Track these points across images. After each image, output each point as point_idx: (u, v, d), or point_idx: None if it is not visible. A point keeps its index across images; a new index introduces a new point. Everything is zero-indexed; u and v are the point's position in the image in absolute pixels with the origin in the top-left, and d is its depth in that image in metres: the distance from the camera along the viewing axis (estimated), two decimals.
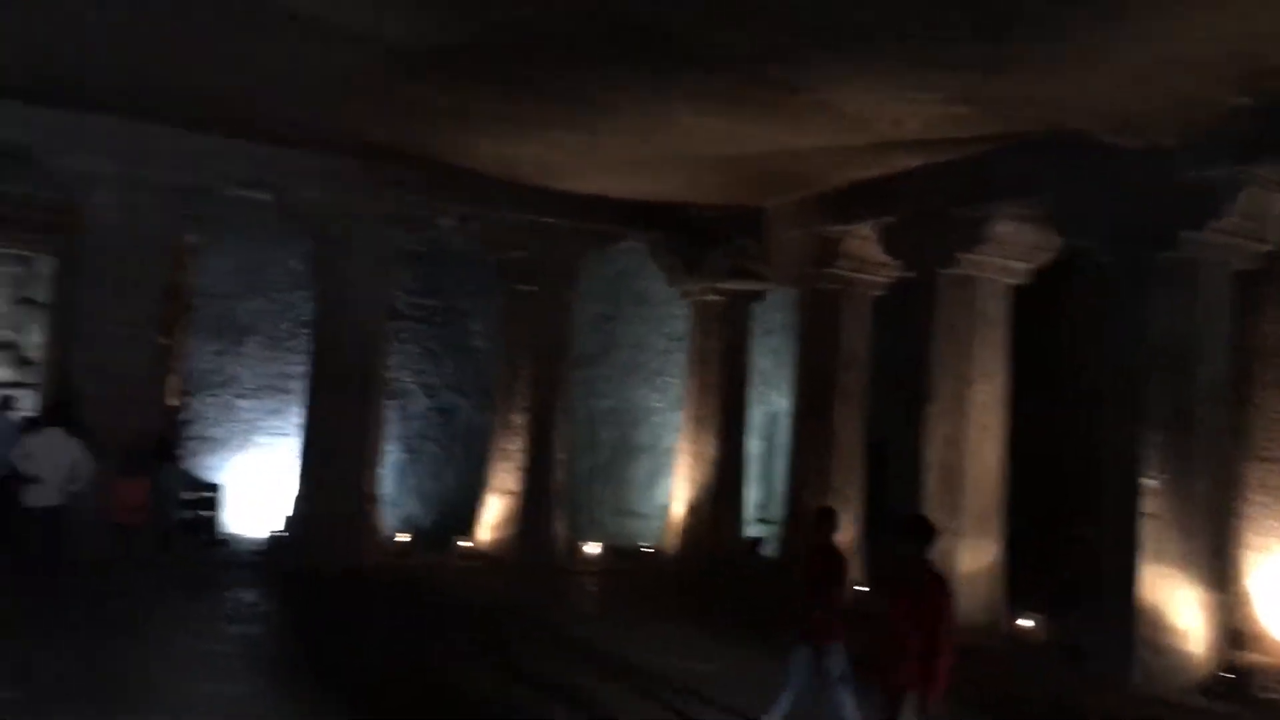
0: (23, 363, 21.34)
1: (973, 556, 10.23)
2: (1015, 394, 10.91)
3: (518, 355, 13.87)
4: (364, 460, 12.53)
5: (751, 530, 15.68)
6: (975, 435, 10.49)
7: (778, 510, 15.14)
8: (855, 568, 10.45)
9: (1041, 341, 12.25)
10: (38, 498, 9.13)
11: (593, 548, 14.48)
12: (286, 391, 14.65)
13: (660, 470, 16.61)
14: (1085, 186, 9.03)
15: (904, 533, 5.58)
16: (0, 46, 9.00)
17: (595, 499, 16.36)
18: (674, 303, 16.16)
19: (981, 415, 10.53)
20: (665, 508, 15.38)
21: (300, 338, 14.24)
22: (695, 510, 14.56)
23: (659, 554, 14.82)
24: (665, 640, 9.69)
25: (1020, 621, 10.28)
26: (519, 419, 13.75)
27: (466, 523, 14.21)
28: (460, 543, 13.67)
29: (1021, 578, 10.62)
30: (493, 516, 13.80)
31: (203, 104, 10.43)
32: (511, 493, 13.67)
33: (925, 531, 5.53)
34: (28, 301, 21.28)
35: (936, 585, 5.37)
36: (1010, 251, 10.52)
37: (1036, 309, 11.64)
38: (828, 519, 6.98)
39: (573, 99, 9.13)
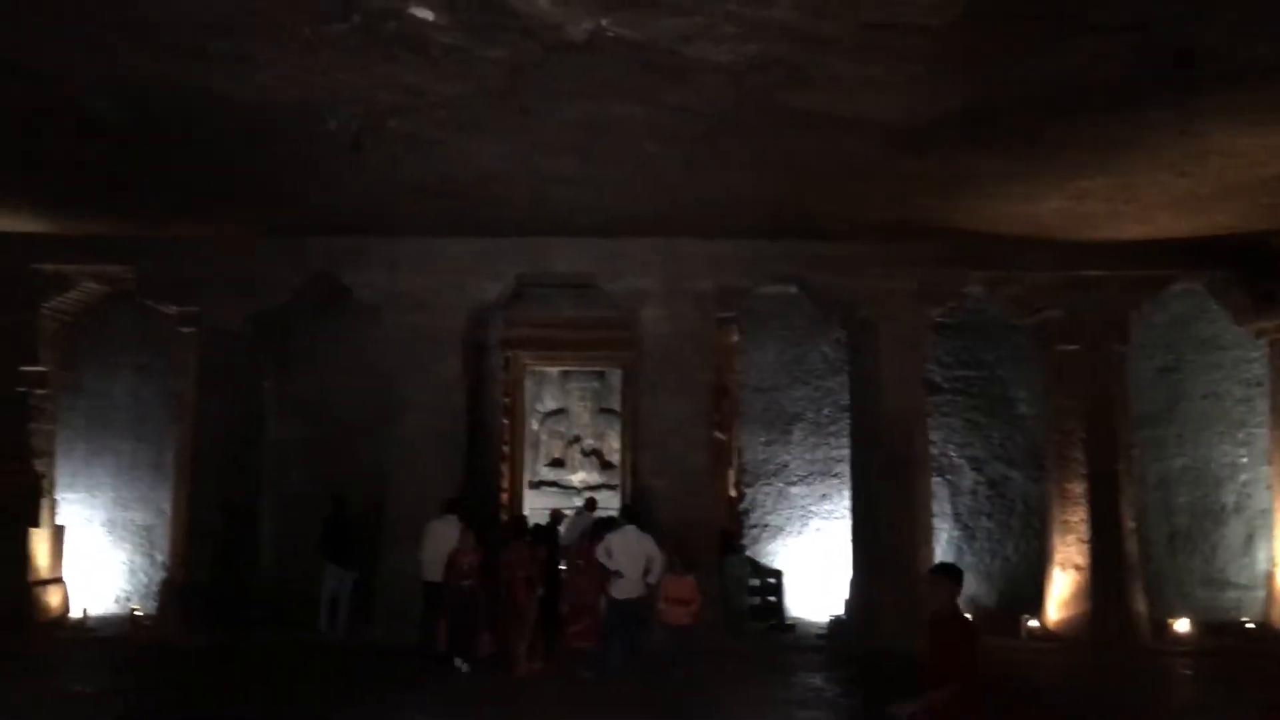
0: (605, 466, 24.08)
1: None
2: None
3: (1067, 419, 12.98)
4: (915, 540, 12.34)
5: None
6: None
7: None
8: None
9: None
10: (622, 590, 10.10)
11: (1181, 625, 12.97)
12: (835, 475, 15.00)
13: (1257, 534, 14.57)
14: None
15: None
16: (566, 192, 10.38)
17: (1180, 570, 14.71)
18: (1247, 345, 14.31)
19: None
20: (1267, 576, 13.41)
21: (842, 422, 14.55)
22: None
23: (1265, 630, 12.90)
24: None
25: None
26: (1077, 487, 12.80)
27: (1031, 600, 13.42)
28: (1029, 622, 12.90)
29: None
30: (1060, 593, 12.88)
31: (725, 213, 11.22)
32: (1078, 567, 12.69)
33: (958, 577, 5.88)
34: (606, 411, 24.05)
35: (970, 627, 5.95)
36: None
37: None
38: None
39: (1090, 146, 8.59)
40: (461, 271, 12.41)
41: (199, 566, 12.20)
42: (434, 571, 10.65)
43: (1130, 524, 12.69)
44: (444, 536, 10.76)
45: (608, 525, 11.26)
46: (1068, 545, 12.85)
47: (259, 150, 9.25)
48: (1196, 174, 9.25)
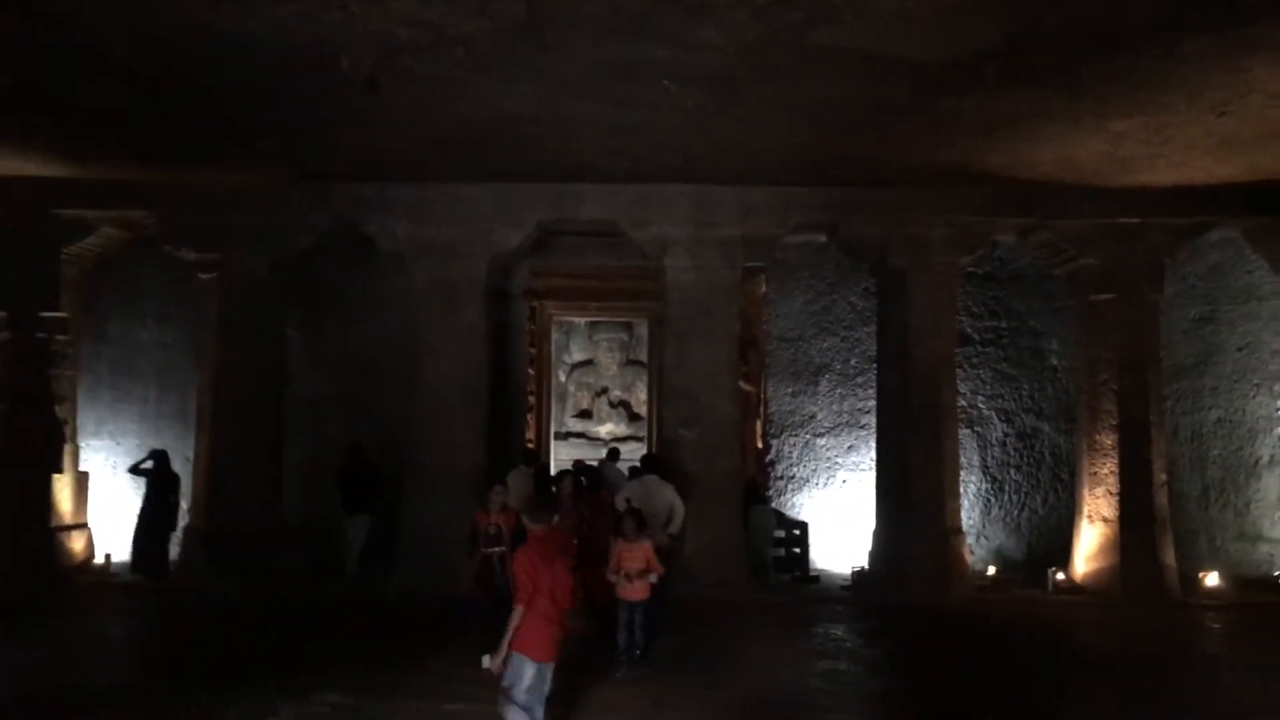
0: (633, 418, 24.04)
1: None
2: None
3: (1100, 370, 12.74)
4: (942, 492, 12.19)
5: None
6: None
7: None
8: None
9: None
10: None
11: (1211, 579, 12.81)
12: (861, 427, 14.87)
13: None
14: None
15: None
16: (592, 137, 10.19)
17: (1213, 523, 14.52)
18: None
19: None
20: None
21: (869, 373, 14.39)
22: None
23: None
24: None
25: None
26: (1108, 439, 12.59)
27: (1060, 553, 13.30)
28: (1056, 575, 12.77)
29: None
30: (1088, 546, 12.72)
31: (755, 159, 10.99)
32: (1107, 520, 12.51)
33: None
34: (634, 363, 23.97)
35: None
36: None
37: None
38: None
39: (1129, 83, 8.29)
40: (484, 218, 12.25)
41: (222, 515, 12.21)
42: None
43: (1161, 477, 12.47)
44: (519, 487, 10.83)
45: (631, 475, 11.13)
46: (1097, 498, 12.67)
47: (279, 94, 9.08)
48: (1237, 113, 8.91)
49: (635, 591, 8.60)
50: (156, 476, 12.99)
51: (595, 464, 13.33)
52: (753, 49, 7.71)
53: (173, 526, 13.12)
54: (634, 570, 8.53)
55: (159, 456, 13.12)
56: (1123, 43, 7.52)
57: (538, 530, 6.24)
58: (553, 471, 14.05)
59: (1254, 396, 14.63)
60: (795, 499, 15.00)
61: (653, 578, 8.58)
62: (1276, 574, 13.41)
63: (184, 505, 13.74)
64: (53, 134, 10.51)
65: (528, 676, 5.87)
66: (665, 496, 10.04)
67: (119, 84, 8.80)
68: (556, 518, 7.22)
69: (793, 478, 15.10)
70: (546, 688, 6.04)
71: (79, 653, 9.07)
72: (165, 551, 12.90)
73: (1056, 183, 11.52)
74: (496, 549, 8.55)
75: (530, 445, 15.42)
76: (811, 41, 7.55)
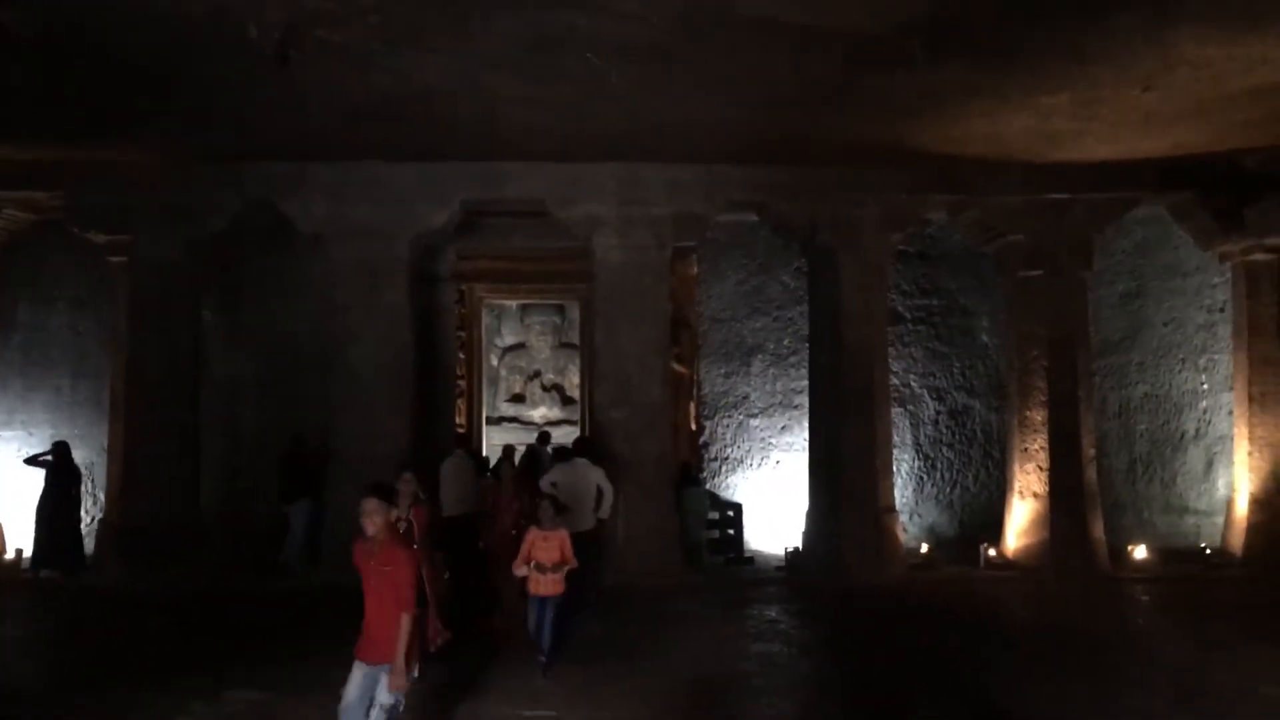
0: (566, 401, 23.80)
1: None
2: None
3: (1029, 347, 12.78)
4: (875, 472, 12.14)
5: None
6: None
7: None
8: None
9: None
10: (569, 525, 9.76)
11: (1140, 552, 12.95)
12: (795, 407, 14.81)
13: (1217, 460, 14.59)
14: None
15: None
16: (516, 113, 9.88)
17: (1140, 497, 14.71)
18: (1210, 270, 14.24)
19: None
20: (1227, 502, 13.39)
21: (802, 353, 14.31)
22: (1263, 504, 12.54)
23: (1223, 556, 12.88)
24: (1254, 663, 8.30)
25: None
26: (1038, 415, 12.65)
27: (992, 528, 13.36)
28: (988, 551, 12.82)
29: None
30: (1020, 522, 12.79)
31: (684, 137, 10.78)
32: (1037, 495, 12.58)
33: None
34: (567, 345, 23.71)
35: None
36: None
37: None
38: None
39: (1058, 57, 8.22)
40: (406, 198, 11.89)
41: (137, 507, 11.76)
42: (450, 507, 10.72)
43: (1090, 451, 12.56)
44: (458, 474, 10.90)
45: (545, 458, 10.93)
46: (1027, 473, 12.74)
47: (185, 68, 8.66)
48: (1164, 88, 8.89)
49: (548, 585, 7.80)
50: (57, 469, 12.51)
51: (525, 449, 13.07)
52: (679, 19, 7.48)
53: (77, 520, 12.64)
54: (547, 562, 7.78)
55: (59, 448, 12.64)
56: (1051, 14, 7.42)
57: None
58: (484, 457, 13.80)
59: (1179, 371, 14.82)
60: (729, 480, 14.91)
61: (564, 572, 7.85)
62: (1203, 545, 13.59)
63: (92, 500, 13.28)
64: None
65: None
66: (594, 478, 9.84)
67: (15, 57, 8.33)
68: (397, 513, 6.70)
69: (727, 459, 15.00)
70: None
71: None
72: (78, 544, 12.43)
73: (985, 160, 11.48)
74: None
75: (461, 430, 15.14)
76: (740, 12, 7.34)
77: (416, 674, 6.52)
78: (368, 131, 10.56)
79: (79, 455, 13.27)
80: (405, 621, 5.30)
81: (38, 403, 14.48)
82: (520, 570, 7.88)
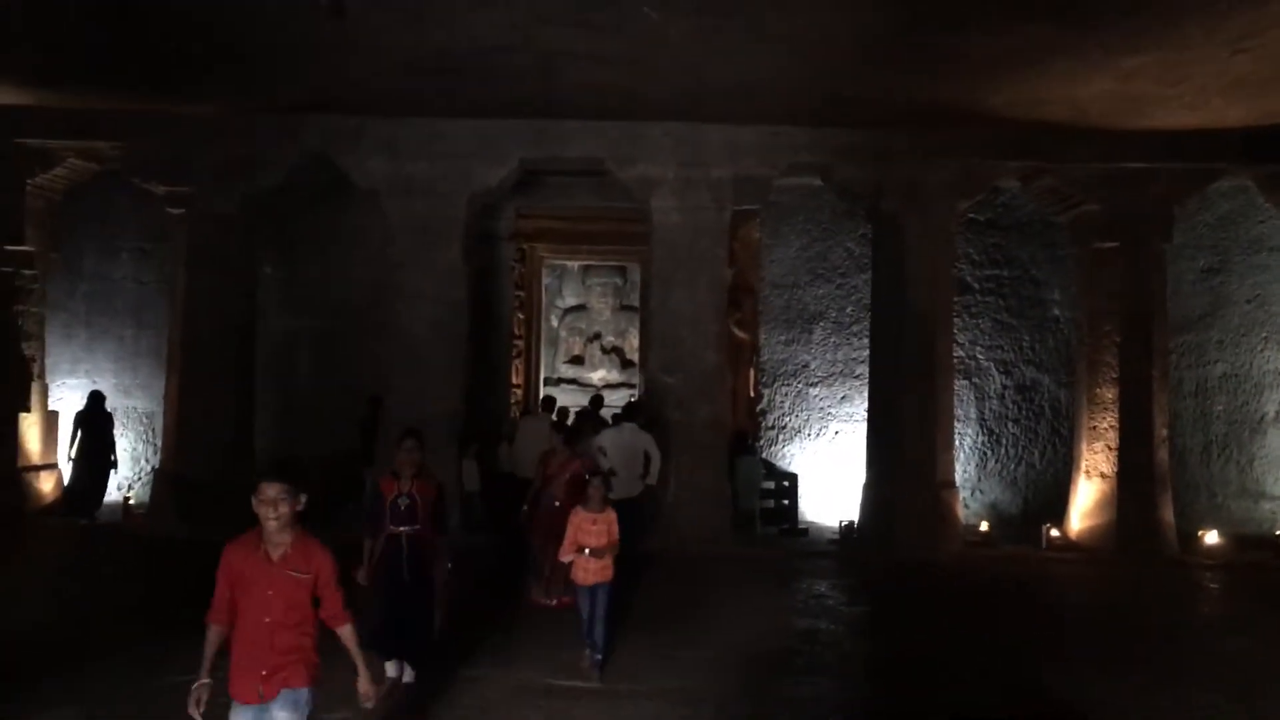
0: (626, 364, 23.64)
1: None
2: None
3: (1102, 321, 12.29)
4: (935, 445, 11.79)
5: None
6: None
7: None
8: None
9: None
10: (616, 490, 9.60)
11: (1211, 537, 12.46)
12: (855, 377, 14.46)
13: None
14: None
15: None
16: (574, 70, 9.65)
17: (1214, 480, 14.16)
18: None
19: None
20: None
21: (865, 321, 13.93)
22: None
23: None
24: None
25: None
26: (1109, 393, 12.17)
27: (1056, 508, 12.95)
28: (1050, 531, 12.43)
29: None
30: (1085, 502, 12.36)
31: (746, 96, 10.46)
32: (1105, 475, 12.14)
33: None
34: (628, 308, 23.51)
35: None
36: None
37: None
38: None
39: (1143, 14, 7.75)
40: (463, 155, 11.72)
41: (191, 458, 11.84)
42: (523, 467, 10.64)
43: (1163, 432, 12.07)
44: (537, 435, 10.71)
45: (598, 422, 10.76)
46: (1095, 453, 12.29)
47: (243, 19, 8.58)
48: (1256, 50, 8.38)
49: (596, 572, 6.94)
50: (90, 417, 12.70)
51: (575, 413, 12.92)
52: None
53: (109, 467, 12.87)
54: (597, 547, 6.93)
55: (94, 397, 12.85)
56: None
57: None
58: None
59: (1261, 351, 14.20)
60: (786, 449, 14.64)
61: (610, 559, 7.00)
62: (1278, 532, 13.06)
63: (134, 449, 13.44)
64: (13, 59, 10.01)
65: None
66: (641, 444, 9.64)
67: (81, 8, 8.30)
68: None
69: (784, 428, 14.73)
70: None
71: (32, 595, 8.77)
72: (101, 492, 12.71)
73: (1062, 125, 11.00)
74: (406, 528, 6.39)
75: (517, 388, 15.04)
76: None
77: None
78: (425, 87, 10.40)
79: (140, 404, 13.43)
80: (348, 632, 4.25)
81: (101, 352, 14.68)
82: (567, 556, 7.07)
